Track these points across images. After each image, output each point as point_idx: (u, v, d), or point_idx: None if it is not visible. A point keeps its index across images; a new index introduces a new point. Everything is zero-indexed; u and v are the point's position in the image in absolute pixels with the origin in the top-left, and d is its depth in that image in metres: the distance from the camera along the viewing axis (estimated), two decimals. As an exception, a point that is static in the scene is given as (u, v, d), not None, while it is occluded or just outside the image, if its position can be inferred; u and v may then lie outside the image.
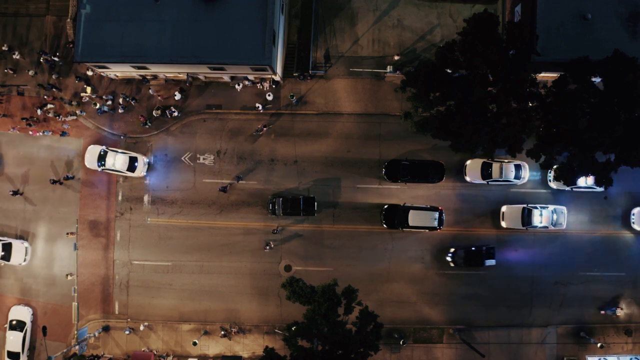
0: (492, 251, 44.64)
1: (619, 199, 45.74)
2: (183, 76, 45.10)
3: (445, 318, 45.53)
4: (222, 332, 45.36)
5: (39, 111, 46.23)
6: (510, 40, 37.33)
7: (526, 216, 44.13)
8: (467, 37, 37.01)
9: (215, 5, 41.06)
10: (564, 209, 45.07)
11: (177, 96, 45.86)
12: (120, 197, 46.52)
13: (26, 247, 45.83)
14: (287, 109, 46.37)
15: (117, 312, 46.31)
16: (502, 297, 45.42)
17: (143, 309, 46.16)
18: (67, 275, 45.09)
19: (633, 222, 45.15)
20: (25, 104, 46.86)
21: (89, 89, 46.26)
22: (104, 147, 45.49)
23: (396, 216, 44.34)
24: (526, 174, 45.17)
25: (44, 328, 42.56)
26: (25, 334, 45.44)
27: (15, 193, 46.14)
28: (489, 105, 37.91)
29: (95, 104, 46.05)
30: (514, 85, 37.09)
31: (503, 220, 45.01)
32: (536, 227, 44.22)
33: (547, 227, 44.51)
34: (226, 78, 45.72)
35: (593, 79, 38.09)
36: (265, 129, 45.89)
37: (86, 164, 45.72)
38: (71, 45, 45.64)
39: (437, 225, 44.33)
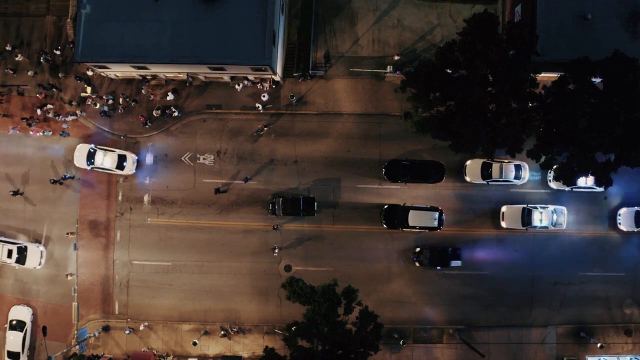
0: (458, 252, 44.72)
1: (619, 199, 45.74)
2: (183, 76, 45.11)
3: (445, 318, 45.53)
4: (222, 332, 45.37)
5: (39, 111, 46.24)
6: (510, 41, 37.32)
7: (526, 216, 44.14)
8: (467, 37, 37.01)
9: (215, 5, 41.07)
10: (563, 209, 45.07)
11: (170, 96, 45.85)
12: (120, 197, 46.53)
13: (41, 251, 45.67)
14: (287, 109, 46.37)
15: (117, 312, 46.32)
16: (502, 297, 45.41)
17: (143, 309, 46.16)
18: (67, 275, 45.13)
19: (619, 223, 45.18)
20: (25, 104, 46.87)
21: (89, 89, 46.29)
22: (92, 146, 45.38)
23: (396, 216, 44.35)
24: (526, 174, 45.17)
25: (44, 328, 42.55)
26: (25, 334, 45.44)
27: (15, 193, 46.14)
28: (488, 105, 37.91)
29: (96, 104, 46.07)
30: (514, 85, 37.08)
31: (503, 220, 45.00)
32: (536, 227, 44.22)
33: (547, 227, 44.52)
34: (226, 78, 45.73)
35: (593, 79, 38.07)
36: (265, 129, 45.90)
37: (75, 162, 45.66)
38: (71, 45, 45.65)
39: (437, 226, 44.35)
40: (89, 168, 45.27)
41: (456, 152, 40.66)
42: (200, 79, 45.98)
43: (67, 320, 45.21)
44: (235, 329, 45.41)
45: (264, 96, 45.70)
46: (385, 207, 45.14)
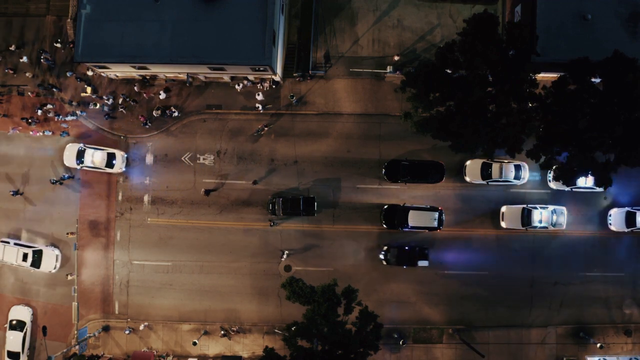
0: (426, 252, 44.68)
1: (619, 199, 45.76)
2: (183, 76, 45.11)
3: (445, 318, 45.53)
4: (222, 332, 45.39)
5: (39, 111, 46.25)
6: (510, 41, 37.33)
7: (526, 216, 44.14)
8: (467, 37, 37.02)
9: (215, 5, 41.08)
10: (563, 209, 45.07)
11: (162, 95, 45.85)
12: (120, 197, 46.54)
13: (57, 255, 45.62)
14: (287, 109, 46.38)
15: (117, 312, 46.33)
16: (502, 298, 45.43)
17: (143, 309, 46.17)
18: (67, 275, 45.12)
19: (610, 224, 45.17)
20: (25, 104, 46.88)
21: (89, 89, 46.29)
22: (82, 145, 45.33)
23: (396, 216, 44.35)
24: (526, 174, 45.17)
25: (44, 328, 42.58)
26: (25, 333, 45.44)
27: (15, 193, 46.15)
28: (488, 105, 37.93)
29: (96, 104, 46.07)
30: (514, 85, 37.10)
31: (503, 220, 45.00)
32: (536, 227, 44.22)
33: (546, 228, 44.52)
34: (226, 78, 45.73)
35: (593, 80, 38.09)
36: (265, 129, 45.90)
37: (65, 162, 45.63)
38: (71, 45, 45.66)
39: (437, 226, 44.35)
40: (78, 167, 45.22)
41: (456, 152, 40.68)
42: (200, 79, 45.99)
43: (67, 320, 45.21)
44: (235, 329, 45.42)
45: (258, 95, 45.64)
46: (385, 207, 45.15)
